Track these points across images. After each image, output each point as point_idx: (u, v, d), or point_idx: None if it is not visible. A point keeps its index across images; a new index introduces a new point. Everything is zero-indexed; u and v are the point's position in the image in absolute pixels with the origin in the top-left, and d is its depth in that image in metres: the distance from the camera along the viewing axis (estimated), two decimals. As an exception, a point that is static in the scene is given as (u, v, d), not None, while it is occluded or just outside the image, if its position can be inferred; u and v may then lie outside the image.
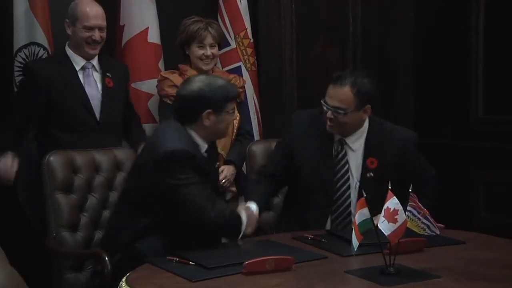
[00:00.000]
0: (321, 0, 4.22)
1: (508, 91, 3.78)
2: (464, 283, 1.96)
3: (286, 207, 2.95)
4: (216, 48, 3.29)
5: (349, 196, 2.73)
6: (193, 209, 2.41)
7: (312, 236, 2.51)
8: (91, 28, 3.05)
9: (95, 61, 3.15)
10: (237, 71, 3.67)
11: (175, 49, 3.38)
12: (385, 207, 1.97)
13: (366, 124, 2.77)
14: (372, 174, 2.72)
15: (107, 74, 3.12)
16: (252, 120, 3.73)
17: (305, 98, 4.17)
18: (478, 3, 3.89)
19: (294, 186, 2.87)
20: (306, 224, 2.73)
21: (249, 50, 3.77)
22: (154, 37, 3.57)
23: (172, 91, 3.16)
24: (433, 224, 2.09)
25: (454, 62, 4.08)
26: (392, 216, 1.96)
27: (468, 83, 3.96)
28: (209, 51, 3.25)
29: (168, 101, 3.21)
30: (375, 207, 2.35)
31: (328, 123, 2.69)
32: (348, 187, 2.73)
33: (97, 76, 3.14)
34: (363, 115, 2.71)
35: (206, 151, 2.54)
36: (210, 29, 3.25)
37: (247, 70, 3.75)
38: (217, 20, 3.63)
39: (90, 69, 3.13)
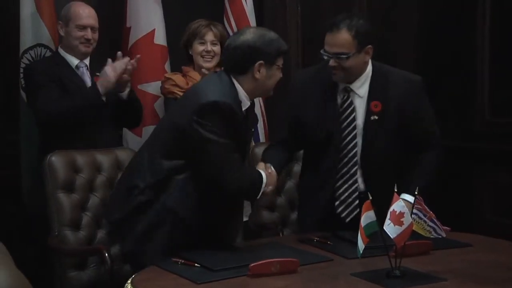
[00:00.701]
0: (326, 1, 4.21)
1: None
2: (470, 285, 1.96)
3: (303, 173, 2.91)
4: (218, 47, 3.28)
5: (355, 145, 2.66)
6: (214, 170, 2.36)
7: (318, 238, 2.50)
8: (84, 27, 3.11)
9: (87, 61, 3.19)
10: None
11: (181, 51, 3.39)
12: (391, 209, 1.96)
13: (370, 68, 2.69)
14: (376, 117, 2.64)
15: (96, 74, 3.12)
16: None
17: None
18: (484, 5, 3.88)
19: (305, 146, 2.84)
20: (318, 180, 2.71)
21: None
22: (160, 39, 3.58)
23: (174, 89, 3.20)
24: (439, 227, 2.08)
25: (458, 64, 4.07)
26: (398, 218, 1.95)
27: (473, 85, 3.95)
28: (209, 47, 3.26)
29: (172, 97, 3.22)
30: (379, 150, 2.60)
31: (332, 71, 2.63)
32: (355, 135, 2.66)
33: (89, 74, 3.18)
34: (365, 56, 2.63)
35: (246, 110, 2.46)
36: (212, 26, 3.28)
37: (254, 75, 3.74)
38: (223, 22, 3.64)
39: (83, 68, 3.18)
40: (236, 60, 2.41)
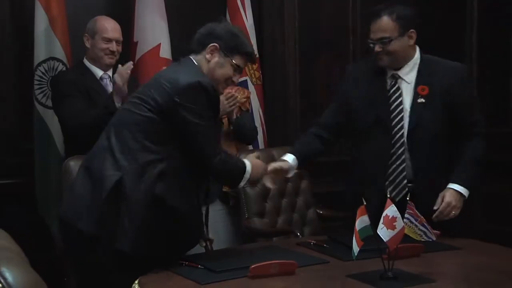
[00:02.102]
0: (323, 18, 4.23)
1: (500, 104, 3.77)
2: (459, 286, 1.96)
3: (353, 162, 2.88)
4: None
5: (402, 128, 2.65)
6: (198, 152, 2.25)
7: (315, 242, 2.50)
8: (109, 40, 3.12)
9: (110, 72, 3.19)
10: (244, 84, 3.68)
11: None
12: (384, 214, 1.96)
13: (417, 56, 2.70)
14: (423, 100, 2.63)
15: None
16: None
17: (308, 110, 4.18)
18: (471, 20, 3.89)
19: (349, 133, 2.83)
20: (370, 164, 2.69)
21: (255, 65, 3.78)
22: (165, 52, 3.59)
23: None
24: (429, 231, 2.09)
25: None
26: (391, 223, 1.95)
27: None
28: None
29: None
30: (425, 132, 2.58)
31: (378, 56, 2.65)
32: (402, 118, 2.65)
33: (112, 86, 3.15)
34: (408, 40, 2.65)
35: None
36: None
37: (253, 84, 3.77)
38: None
39: (107, 79, 3.17)
40: (196, 39, 2.37)
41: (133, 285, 2.05)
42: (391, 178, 2.64)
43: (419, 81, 2.65)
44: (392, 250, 1.98)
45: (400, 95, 2.66)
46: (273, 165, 2.57)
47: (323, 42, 4.26)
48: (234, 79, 2.42)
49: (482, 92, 3.84)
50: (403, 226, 1.98)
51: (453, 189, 2.57)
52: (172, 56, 3.61)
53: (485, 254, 2.35)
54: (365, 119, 2.70)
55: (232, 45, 2.34)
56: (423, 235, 2.09)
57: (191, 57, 2.36)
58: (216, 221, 3.13)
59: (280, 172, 2.61)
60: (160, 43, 3.56)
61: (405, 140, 2.64)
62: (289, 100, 4.17)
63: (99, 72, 3.16)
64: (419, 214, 2.06)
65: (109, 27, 3.14)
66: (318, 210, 3.31)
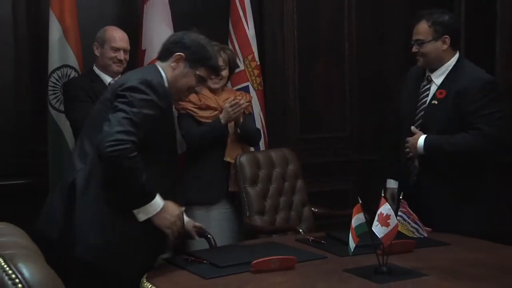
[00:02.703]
0: (320, 25, 4.23)
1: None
2: (450, 280, 1.96)
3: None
4: (226, 71, 3.26)
5: (420, 121, 2.77)
6: (108, 129, 2.07)
7: (313, 238, 2.50)
8: (117, 49, 3.15)
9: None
10: (246, 90, 3.67)
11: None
12: (378, 212, 1.96)
13: (453, 61, 2.77)
14: (436, 102, 2.74)
15: None
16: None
17: (308, 114, 4.18)
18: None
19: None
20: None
21: (256, 72, 3.77)
22: (172, 60, 3.58)
23: (188, 105, 3.14)
24: (421, 228, 2.09)
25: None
26: (385, 220, 1.95)
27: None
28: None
29: (184, 112, 3.19)
30: (435, 130, 2.69)
31: (416, 57, 2.79)
32: (420, 116, 2.78)
33: None
34: (442, 45, 2.74)
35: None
36: (221, 52, 3.24)
37: (254, 89, 3.76)
38: (228, 45, 3.65)
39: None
40: (164, 46, 2.33)
41: (142, 279, 2.05)
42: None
43: (443, 84, 2.75)
44: (386, 246, 1.98)
45: (427, 95, 2.78)
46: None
47: (320, 50, 4.26)
48: (197, 89, 2.37)
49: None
50: (397, 223, 1.98)
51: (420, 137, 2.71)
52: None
53: (473, 249, 2.36)
54: (402, 112, 2.88)
55: (198, 57, 2.28)
56: (415, 232, 2.09)
57: (156, 64, 2.33)
58: (222, 219, 3.14)
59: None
60: (166, 51, 3.55)
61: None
62: (288, 104, 4.17)
63: (107, 79, 3.17)
64: (411, 212, 2.07)
65: (117, 37, 3.16)
66: (313, 208, 3.31)
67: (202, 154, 3.15)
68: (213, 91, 3.23)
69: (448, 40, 2.73)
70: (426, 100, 2.77)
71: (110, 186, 2.09)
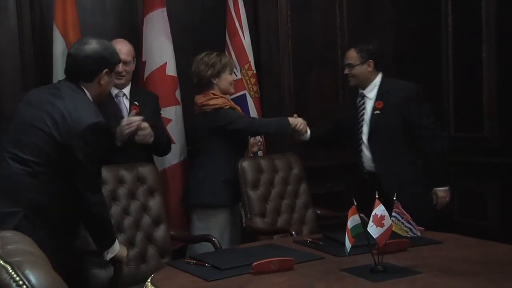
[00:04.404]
0: (315, 35, 4.24)
1: (475, 112, 3.78)
2: (443, 277, 1.95)
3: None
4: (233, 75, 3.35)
5: (361, 128, 3.26)
6: (82, 185, 2.27)
7: (311, 239, 2.50)
8: None
9: (126, 90, 3.16)
10: (242, 98, 3.68)
11: (190, 81, 3.37)
12: (373, 213, 1.96)
13: (379, 79, 3.28)
14: (378, 112, 3.21)
15: (135, 102, 3.12)
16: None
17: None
18: (447, 40, 3.91)
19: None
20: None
21: (253, 80, 3.77)
22: (171, 70, 3.58)
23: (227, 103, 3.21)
24: (414, 227, 2.09)
25: (428, 85, 4.08)
26: (380, 221, 1.96)
27: (440, 105, 3.97)
28: (234, 77, 3.34)
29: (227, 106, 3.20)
30: (380, 135, 3.18)
31: (348, 78, 3.31)
32: (362, 125, 3.26)
33: (127, 102, 3.14)
34: (367, 68, 3.24)
35: None
36: (221, 58, 3.27)
37: (251, 97, 3.76)
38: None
39: (121, 97, 3.15)
40: (87, 68, 2.33)
41: (146, 282, 2.05)
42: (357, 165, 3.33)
43: (377, 97, 3.23)
44: (381, 245, 1.98)
45: (364, 108, 3.28)
46: None
47: (315, 58, 4.27)
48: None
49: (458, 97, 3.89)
50: (391, 223, 1.98)
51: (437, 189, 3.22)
52: (177, 73, 3.61)
53: (465, 247, 2.36)
54: (347, 124, 3.34)
55: (116, 62, 2.46)
56: (409, 231, 2.09)
57: (82, 87, 2.35)
58: (229, 222, 3.16)
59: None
60: (166, 62, 3.54)
61: (365, 142, 3.24)
62: (284, 111, 4.16)
63: (114, 90, 3.12)
64: (405, 212, 2.07)
65: (117, 49, 3.09)
66: (316, 210, 3.31)
67: (223, 156, 3.15)
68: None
69: (372, 64, 3.24)
70: (364, 112, 3.27)
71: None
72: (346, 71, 3.28)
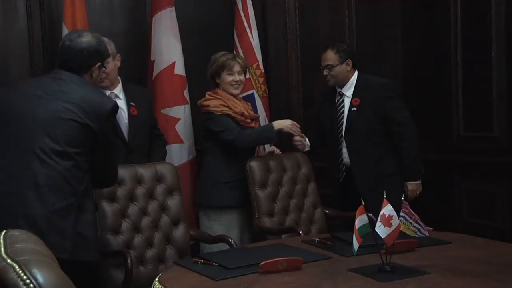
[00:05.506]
0: (322, 35, 4.22)
1: (484, 112, 3.75)
2: (451, 278, 1.94)
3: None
4: (243, 76, 3.24)
5: (342, 125, 3.33)
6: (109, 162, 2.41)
7: (318, 239, 2.49)
8: None
9: (117, 90, 3.07)
10: (251, 97, 3.68)
11: (198, 80, 3.39)
12: (381, 213, 1.95)
13: (355, 77, 3.34)
14: (355, 109, 3.28)
15: (131, 103, 3.07)
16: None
17: (310, 120, 4.15)
18: (456, 40, 3.89)
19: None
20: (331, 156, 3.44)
21: (261, 79, 3.78)
22: (180, 69, 3.58)
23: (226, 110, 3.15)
24: (423, 227, 2.07)
25: (437, 85, 4.06)
26: (388, 221, 1.94)
27: (449, 105, 3.95)
28: (237, 77, 3.18)
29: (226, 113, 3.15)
30: (357, 131, 3.26)
31: (326, 78, 3.33)
32: (342, 122, 3.33)
33: (122, 103, 3.04)
34: (346, 67, 3.31)
35: None
36: (237, 59, 3.21)
37: (260, 96, 3.76)
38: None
39: (113, 99, 3.05)
40: (83, 60, 2.33)
41: (154, 281, 2.04)
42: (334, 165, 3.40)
43: (354, 95, 3.30)
44: (389, 245, 1.96)
45: (343, 106, 3.33)
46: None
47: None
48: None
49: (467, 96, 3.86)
50: (399, 223, 1.96)
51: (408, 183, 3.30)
52: (186, 73, 3.61)
53: (473, 247, 2.34)
54: (327, 126, 3.41)
55: (107, 56, 2.49)
56: (417, 231, 2.07)
57: (82, 77, 2.35)
58: (236, 223, 3.16)
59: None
60: (174, 62, 3.55)
61: (343, 137, 3.31)
62: (293, 110, 4.17)
63: (105, 92, 2.94)
64: (413, 213, 2.05)
65: None
66: (325, 210, 3.29)
67: (224, 157, 3.14)
68: (235, 96, 3.21)
69: (350, 62, 3.30)
70: (343, 110, 3.32)
71: None
72: (325, 72, 3.30)
